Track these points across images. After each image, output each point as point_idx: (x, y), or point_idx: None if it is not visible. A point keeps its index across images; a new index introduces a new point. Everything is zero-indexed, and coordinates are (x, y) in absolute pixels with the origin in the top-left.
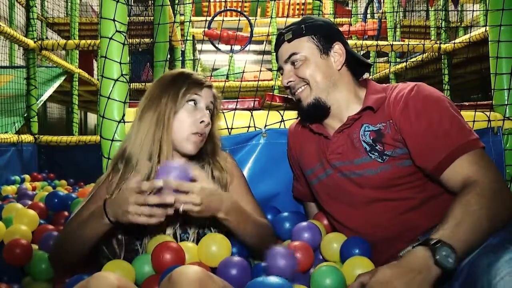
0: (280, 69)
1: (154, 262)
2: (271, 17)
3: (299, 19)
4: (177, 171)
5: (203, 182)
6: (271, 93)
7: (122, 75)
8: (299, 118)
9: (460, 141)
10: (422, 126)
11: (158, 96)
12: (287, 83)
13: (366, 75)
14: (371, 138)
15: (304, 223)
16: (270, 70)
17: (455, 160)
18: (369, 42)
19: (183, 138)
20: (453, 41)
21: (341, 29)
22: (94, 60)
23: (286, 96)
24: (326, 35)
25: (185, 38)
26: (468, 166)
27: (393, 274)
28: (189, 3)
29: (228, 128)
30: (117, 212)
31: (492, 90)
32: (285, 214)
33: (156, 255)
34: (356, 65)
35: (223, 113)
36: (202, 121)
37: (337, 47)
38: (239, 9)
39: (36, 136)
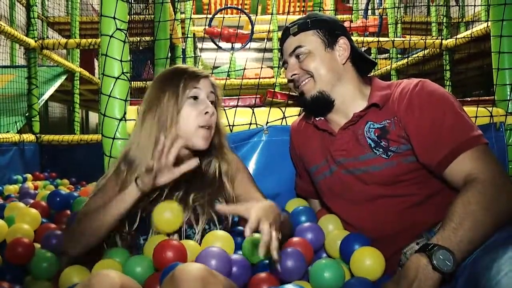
0: (285, 63)
1: (155, 260)
2: (272, 14)
3: (304, 15)
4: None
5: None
6: (273, 90)
7: (123, 73)
8: (301, 115)
9: (464, 137)
10: (426, 123)
11: (157, 97)
12: (291, 76)
13: None
14: (376, 134)
15: (307, 224)
16: (271, 67)
17: (458, 156)
18: (370, 39)
19: (191, 133)
20: (454, 37)
21: None
22: (95, 59)
23: (289, 93)
24: (331, 29)
25: (186, 35)
26: (471, 162)
27: None
28: (189, 0)
29: (229, 126)
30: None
31: (494, 86)
32: (301, 208)
33: (158, 253)
34: (361, 62)
35: (225, 110)
36: (207, 112)
37: (342, 42)
38: (239, 7)
39: (38, 135)
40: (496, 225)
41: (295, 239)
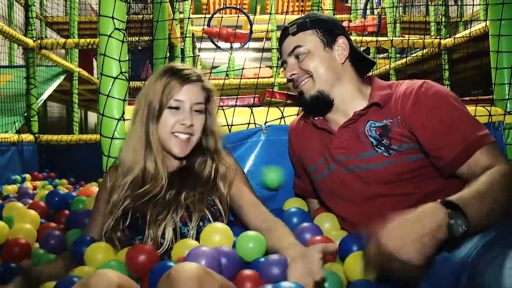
0: (284, 63)
1: (129, 265)
2: (270, 14)
3: (303, 15)
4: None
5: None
6: (271, 90)
7: (121, 72)
8: (300, 114)
9: (475, 135)
10: (434, 122)
11: (145, 98)
12: (290, 76)
13: None
14: (377, 133)
15: (306, 224)
16: (270, 67)
17: (472, 154)
18: (369, 38)
19: (165, 138)
20: (453, 36)
21: None
22: (93, 59)
23: (287, 92)
24: (330, 29)
25: (184, 35)
26: (486, 158)
27: (403, 221)
28: None
29: (228, 125)
30: None
31: (493, 85)
32: (293, 209)
33: (131, 258)
34: (360, 62)
35: (223, 110)
36: (183, 124)
37: (341, 41)
38: (238, 7)
39: (37, 135)
40: (507, 211)
41: (317, 237)
